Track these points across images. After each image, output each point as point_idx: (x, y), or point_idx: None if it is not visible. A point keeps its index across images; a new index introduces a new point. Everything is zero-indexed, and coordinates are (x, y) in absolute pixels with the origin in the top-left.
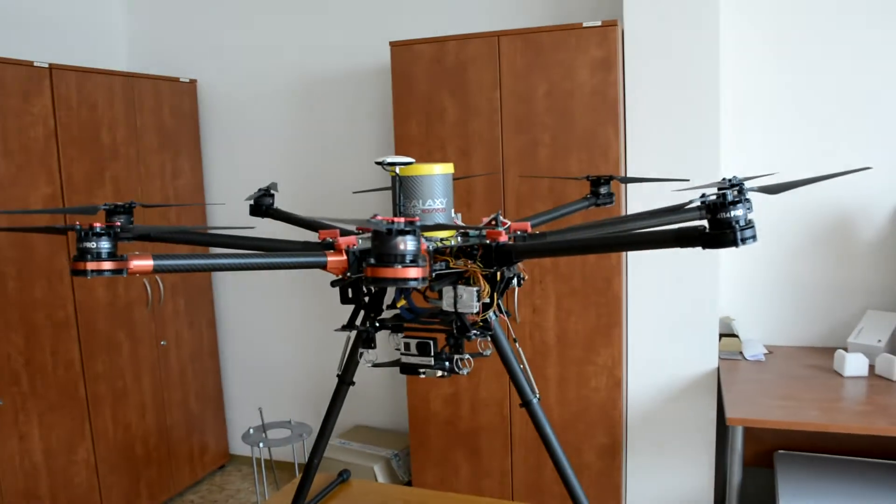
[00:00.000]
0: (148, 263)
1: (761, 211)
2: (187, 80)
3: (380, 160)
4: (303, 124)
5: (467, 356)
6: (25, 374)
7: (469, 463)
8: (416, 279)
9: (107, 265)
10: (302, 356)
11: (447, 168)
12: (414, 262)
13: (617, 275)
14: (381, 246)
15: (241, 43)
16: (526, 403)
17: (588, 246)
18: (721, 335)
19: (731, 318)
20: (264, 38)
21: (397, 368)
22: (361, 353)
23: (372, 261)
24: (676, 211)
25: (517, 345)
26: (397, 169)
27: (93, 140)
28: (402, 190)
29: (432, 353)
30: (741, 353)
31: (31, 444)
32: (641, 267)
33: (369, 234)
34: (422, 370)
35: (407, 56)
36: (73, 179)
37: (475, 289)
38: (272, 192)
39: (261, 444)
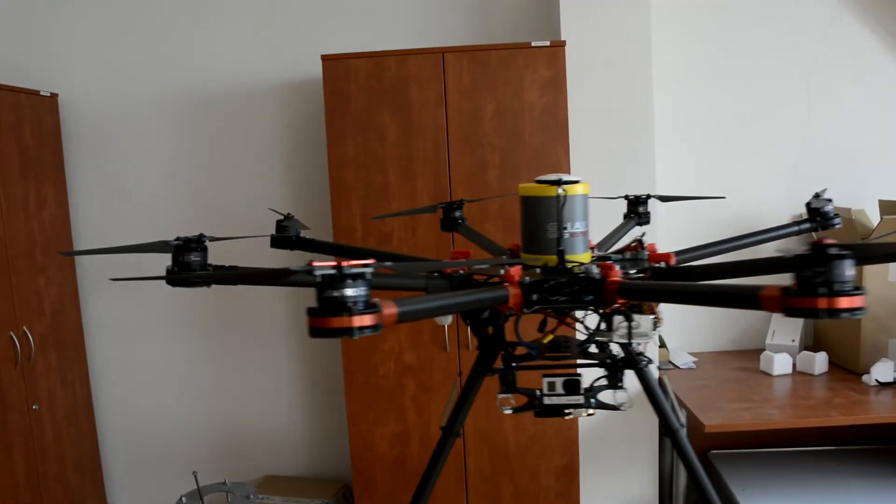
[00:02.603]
0: (392, 312)
1: (673, 221)
2: (48, 94)
3: (546, 178)
4: (199, 148)
5: (626, 389)
6: None
7: None
8: (861, 309)
9: (369, 320)
10: (191, 407)
11: (587, 188)
12: (859, 289)
13: None
14: (833, 273)
15: (117, 52)
16: (672, 433)
17: None
18: None
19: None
20: (147, 46)
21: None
22: (501, 400)
23: (826, 290)
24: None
25: (664, 372)
26: (560, 189)
27: None
28: (547, 213)
29: (582, 391)
30: (670, 361)
31: None
32: None
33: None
34: (568, 411)
35: (341, 71)
36: None
37: (651, 316)
38: (293, 217)
39: None
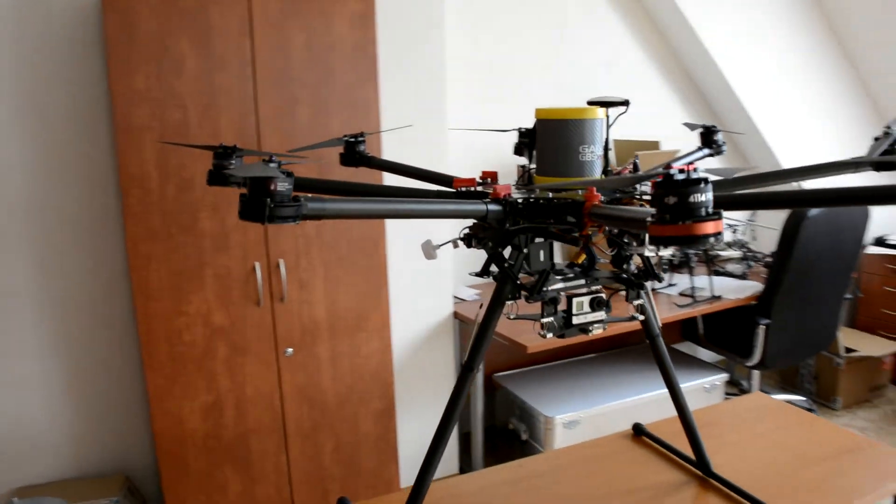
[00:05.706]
0: None
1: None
2: None
3: (595, 99)
4: None
5: (644, 300)
6: None
7: (239, 475)
8: None
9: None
10: None
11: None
12: None
13: (382, 236)
14: None
15: None
16: (653, 338)
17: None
18: None
19: None
20: None
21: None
22: (544, 324)
23: None
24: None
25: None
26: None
27: None
28: (581, 135)
29: (605, 307)
30: (456, 296)
31: None
32: (397, 224)
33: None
34: (592, 328)
35: None
36: None
37: None
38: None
39: None
